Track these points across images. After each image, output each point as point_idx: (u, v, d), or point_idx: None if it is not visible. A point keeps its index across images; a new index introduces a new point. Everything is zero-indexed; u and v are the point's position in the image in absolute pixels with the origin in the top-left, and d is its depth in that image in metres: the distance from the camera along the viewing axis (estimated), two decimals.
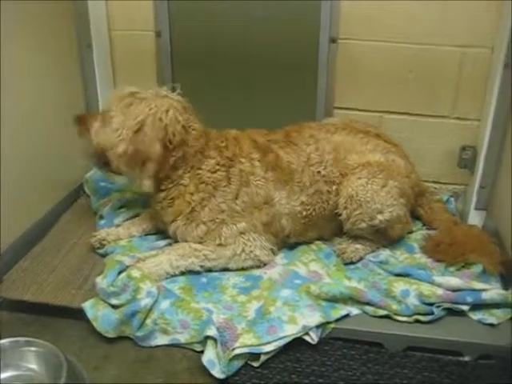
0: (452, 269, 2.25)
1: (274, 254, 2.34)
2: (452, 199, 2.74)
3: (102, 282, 2.06)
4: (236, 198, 2.24)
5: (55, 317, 2.16)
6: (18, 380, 1.86)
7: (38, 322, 2.15)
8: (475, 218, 2.64)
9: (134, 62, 2.92)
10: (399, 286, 2.11)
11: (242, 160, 2.29)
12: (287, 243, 2.40)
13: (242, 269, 2.28)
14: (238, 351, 1.90)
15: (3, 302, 2.23)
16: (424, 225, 2.56)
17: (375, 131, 2.50)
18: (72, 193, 2.81)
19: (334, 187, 2.34)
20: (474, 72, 2.58)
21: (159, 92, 2.23)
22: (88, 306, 2.06)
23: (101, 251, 2.38)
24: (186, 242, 2.28)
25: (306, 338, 2.00)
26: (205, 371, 1.91)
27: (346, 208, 2.30)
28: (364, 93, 2.74)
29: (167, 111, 2.15)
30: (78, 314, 2.09)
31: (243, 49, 2.77)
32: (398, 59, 2.64)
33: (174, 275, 2.22)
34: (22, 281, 2.24)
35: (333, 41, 2.65)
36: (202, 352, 1.97)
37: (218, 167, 2.24)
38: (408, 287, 2.10)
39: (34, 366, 1.88)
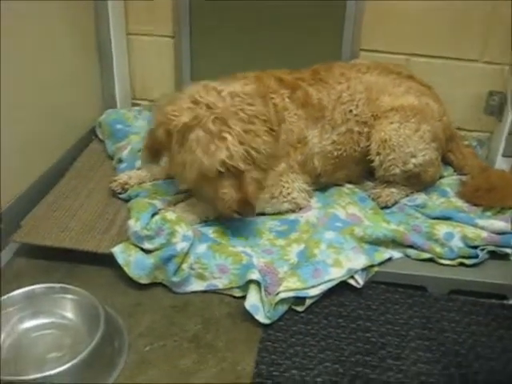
0: (488, 213, 2.21)
1: (310, 196, 2.27)
2: (478, 146, 2.68)
3: (135, 225, 1.94)
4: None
5: (80, 263, 2.05)
6: (52, 327, 1.77)
7: (62, 268, 2.04)
8: (502, 165, 2.56)
9: (147, 3, 2.75)
10: (442, 228, 2.05)
11: (273, 96, 2.17)
12: (318, 184, 2.33)
13: (279, 213, 2.20)
14: (283, 295, 1.83)
15: (22, 247, 2.11)
16: (454, 170, 2.50)
17: (407, 72, 2.41)
18: (83, 137, 2.67)
19: (366, 129, 2.27)
20: (506, 13, 2.49)
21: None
22: (118, 250, 1.95)
23: (123, 196, 2.26)
24: None
25: (351, 281, 1.94)
26: (246, 316, 1.84)
27: (378, 154, 2.23)
28: (391, 34, 2.63)
29: None
30: (105, 260, 1.99)
31: None
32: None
33: (207, 220, 2.12)
34: (41, 226, 2.11)
35: None
36: (242, 297, 1.90)
37: None
38: (451, 230, 2.04)
39: (68, 314, 1.79)
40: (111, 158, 2.54)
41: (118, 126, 2.59)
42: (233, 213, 1.94)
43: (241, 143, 1.85)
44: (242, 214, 1.95)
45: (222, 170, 1.86)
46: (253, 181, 1.92)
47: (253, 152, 1.87)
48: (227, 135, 1.84)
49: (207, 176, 1.89)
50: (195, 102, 1.90)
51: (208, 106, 1.88)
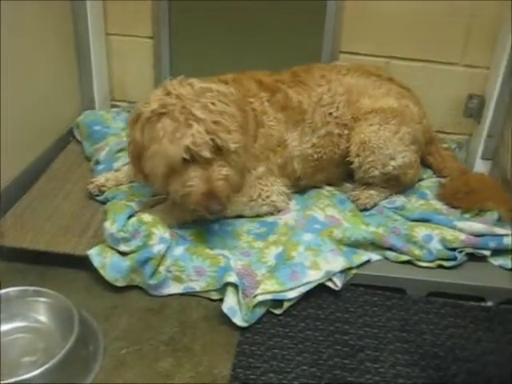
0: (467, 215, 2.21)
1: (289, 199, 2.25)
2: (457, 149, 2.69)
3: (111, 227, 1.91)
4: (254, 142, 2.11)
5: (55, 266, 2.02)
6: (25, 331, 1.73)
7: (37, 271, 2.01)
8: (481, 168, 2.60)
9: (127, 4, 2.71)
10: (421, 231, 2.05)
11: (251, 100, 2.16)
12: (298, 187, 2.32)
13: (257, 215, 2.18)
14: (260, 298, 1.81)
15: None
16: (434, 173, 2.50)
17: (387, 75, 2.41)
18: (61, 138, 2.62)
19: (346, 131, 2.26)
20: (486, 16, 2.50)
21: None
22: (94, 253, 1.92)
23: (100, 198, 2.23)
24: None
25: (329, 284, 1.92)
26: (223, 319, 1.82)
27: (358, 155, 2.22)
28: (372, 37, 2.63)
29: None
30: (81, 263, 1.95)
31: None
32: (408, 2, 2.53)
33: (185, 223, 2.09)
34: (17, 228, 2.08)
35: None
36: (219, 300, 1.88)
37: None
38: (430, 232, 2.04)
39: (42, 318, 1.76)
40: (89, 159, 2.50)
41: (96, 128, 2.56)
42: (201, 208, 1.86)
43: (207, 132, 1.80)
44: (209, 210, 1.85)
45: (186, 157, 1.80)
46: (224, 177, 1.86)
47: (220, 142, 1.82)
48: (193, 123, 1.80)
49: (175, 170, 1.83)
50: (167, 94, 1.87)
51: (178, 97, 1.84)
